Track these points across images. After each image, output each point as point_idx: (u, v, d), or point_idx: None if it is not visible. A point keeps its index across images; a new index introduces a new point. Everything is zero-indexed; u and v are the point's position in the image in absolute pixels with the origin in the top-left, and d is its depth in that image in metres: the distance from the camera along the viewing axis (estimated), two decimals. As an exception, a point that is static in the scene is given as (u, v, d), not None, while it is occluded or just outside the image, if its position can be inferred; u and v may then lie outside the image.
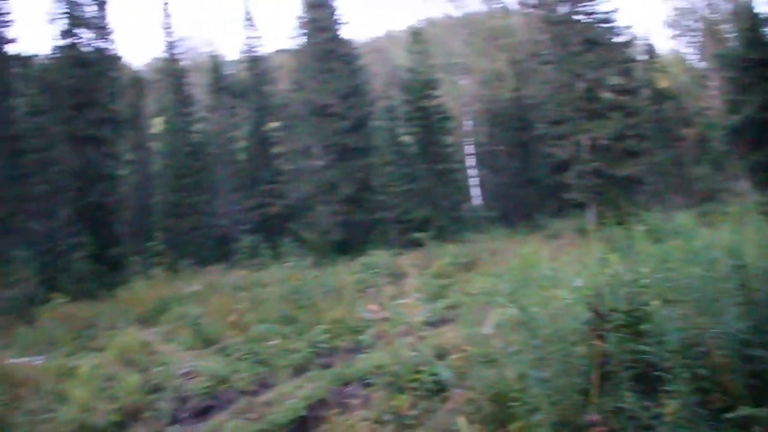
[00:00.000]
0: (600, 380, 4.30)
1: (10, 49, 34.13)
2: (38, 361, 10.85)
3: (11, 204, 31.42)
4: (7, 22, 33.54)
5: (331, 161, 33.85)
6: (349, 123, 33.65)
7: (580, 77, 28.57)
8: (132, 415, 7.84)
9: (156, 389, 8.69)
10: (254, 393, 8.17)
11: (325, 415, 6.40)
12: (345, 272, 16.79)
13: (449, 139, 36.32)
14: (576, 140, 28.26)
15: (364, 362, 8.26)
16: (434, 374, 6.13)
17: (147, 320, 15.68)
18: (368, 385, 7.14)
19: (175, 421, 7.79)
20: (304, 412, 7.03)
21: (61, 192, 32.02)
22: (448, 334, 8.19)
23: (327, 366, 8.81)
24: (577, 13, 29.97)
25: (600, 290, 4.69)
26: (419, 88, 34.55)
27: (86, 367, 9.89)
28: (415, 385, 6.11)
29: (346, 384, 7.71)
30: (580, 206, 28.40)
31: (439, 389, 5.98)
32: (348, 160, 33.33)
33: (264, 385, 8.52)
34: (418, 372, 6.29)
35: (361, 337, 10.22)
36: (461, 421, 4.88)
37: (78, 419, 7.69)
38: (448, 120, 35.90)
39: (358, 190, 32.92)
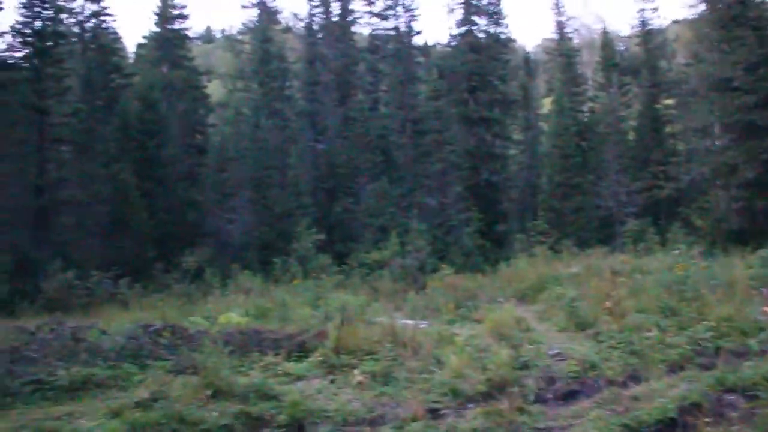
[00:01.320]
0: None
1: (415, 40, 37.45)
2: (423, 325, 11.67)
3: (411, 181, 34.69)
4: (414, 16, 36.83)
5: (731, 141, 30.64)
6: (755, 98, 30.00)
7: None
8: (498, 387, 7.97)
9: (524, 366, 8.71)
10: (622, 384, 7.73)
11: (697, 422, 5.75)
12: (739, 265, 14.99)
13: None
14: None
15: (751, 370, 7.25)
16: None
17: (524, 297, 15.95)
18: (752, 397, 6.23)
19: (538, 400, 7.74)
20: (674, 414, 6.41)
21: (454, 170, 34.29)
22: None
23: (706, 367, 7.94)
24: None
25: None
26: None
27: (463, 336, 10.38)
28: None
29: (726, 391, 6.84)
30: None
31: None
32: (752, 139, 29.74)
33: (634, 378, 8.00)
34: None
35: (750, 341, 9.02)
36: None
37: (450, 384, 8.07)
38: None
39: (763, 174, 29.24)
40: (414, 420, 7.05)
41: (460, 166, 34.72)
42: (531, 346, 9.68)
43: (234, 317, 13.14)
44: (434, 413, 7.37)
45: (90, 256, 26.59)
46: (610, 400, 7.19)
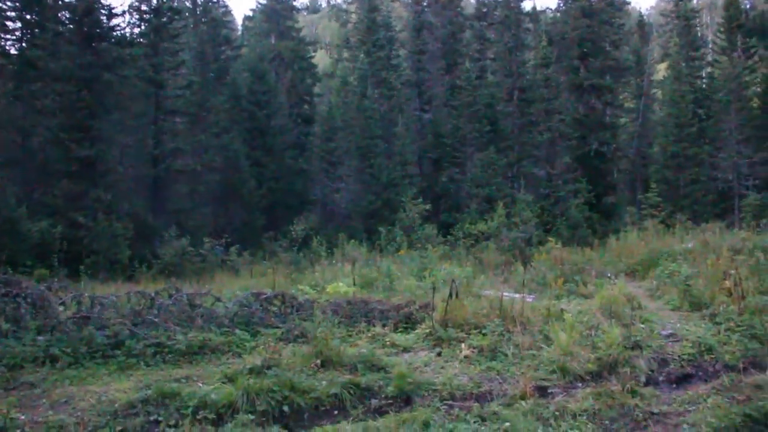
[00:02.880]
0: None
1: (523, 6, 36.51)
2: (529, 299, 11.55)
3: (518, 150, 34.16)
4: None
5: None
6: None
7: None
8: (609, 367, 7.82)
9: (636, 346, 8.47)
10: (742, 371, 7.41)
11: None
12: None
13: None
14: None
15: None
16: None
17: (634, 273, 15.52)
18: None
19: (651, 382, 7.54)
20: (801, 407, 6.11)
21: (563, 140, 33.47)
22: None
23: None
24: None
25: None
26: None
27: (571, 312, 10.20)
28: None
29: None
30: None
31: None
32: None
33: (755, 365, 7.64)
34: None
35: None
36: None
37: (559, 361, 7.97)
38: None
39: None
40: (522, 398, 7.02)
41: (569, 136, 33.83)
42: (642, 325, 9.43)
43: (342, 287, 13.44)
44: (542, 391, 7.31)
45: (202, 224, 27.79)
46: (728, 387, 6.93)
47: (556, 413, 6.67)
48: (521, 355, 8.43)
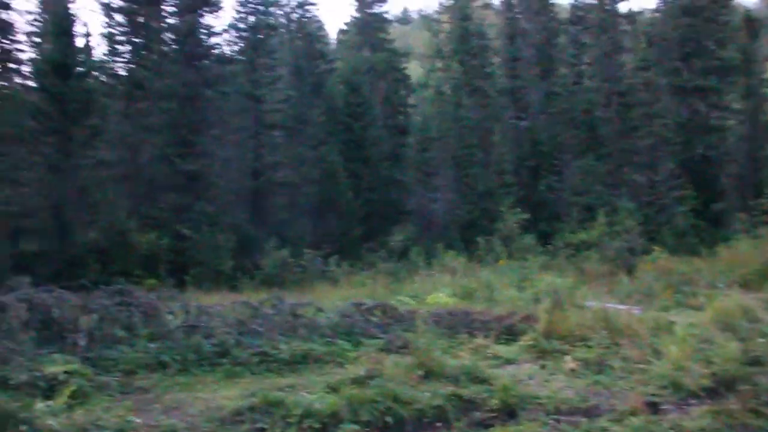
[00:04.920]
0: None
1: (620, 7, 35.52)
2: (635, 310, 11.20)
3: (619, 157, 33.22)
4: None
5: None
6: None
7: None
8: (725, 383, 7.40)
9: (755, 362, 7.98)
10: None
11: None
12: None
13: None
14: None
15: None
16: None
17: (748, 284, 14.70)
18: None
19: (773, 400, 7.11)
20: None
21: (666, 145, 32.33)
22: None
23: None
24: None
25: None
26: None
27: (682, 324, 9.79)
28: None
29: None
30: None
31: None
32: None
33: None
34: None
35: None
36: None
37: (670, 376, 7.63)
38: None
39: None
40: (633, 413, 6.75)
41: (672, 141, 32.61)
42: (762, 340, 8.90)
43: (442, 297, 13.44)
44: (654, 407, 7.02)
45: (301, 235, 28.38)
46: None
47: (671, 431, 6.39)
48: (629, 369, 8.15)
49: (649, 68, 33.96)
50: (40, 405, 6.66)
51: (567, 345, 9.17)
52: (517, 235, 23.92)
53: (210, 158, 27.54)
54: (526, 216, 25.88)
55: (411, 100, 45.86)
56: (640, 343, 8.94)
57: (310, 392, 7.44)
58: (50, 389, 7.33)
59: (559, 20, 44.65)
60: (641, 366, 8.15)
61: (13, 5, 26.75)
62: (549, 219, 31.07)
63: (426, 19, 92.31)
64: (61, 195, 23.41)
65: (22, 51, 28.03)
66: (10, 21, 27.14)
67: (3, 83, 27.13)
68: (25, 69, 28.20)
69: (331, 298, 14.97)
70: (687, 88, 34.71)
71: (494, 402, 7.19)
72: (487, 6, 55.39)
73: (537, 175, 35.04)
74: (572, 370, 8.28)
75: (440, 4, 66.59)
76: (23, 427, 6.00)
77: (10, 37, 27.16)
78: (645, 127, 32.72)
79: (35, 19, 29.62)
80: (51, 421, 6.23)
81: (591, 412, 6.99)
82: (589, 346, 8.86)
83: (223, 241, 24.57)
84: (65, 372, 7.65)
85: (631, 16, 39.52)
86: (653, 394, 7.33)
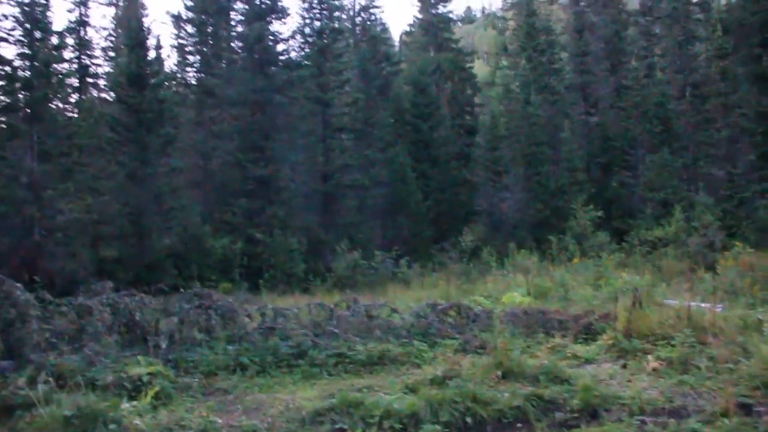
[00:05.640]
0: None
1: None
2: (719, 308, 10.81)
3: (694, 150, 32.20)
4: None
5: None
6: None
7: None
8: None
9: None
10: None
11: None
12: None
13: None
14: None
15: None
16: None
17: None
18: None
19: None
20: None
21: (745, 136, 31.16)
22: None
23: None
24: None
25: None
26: None
27: (770, 321, 9.42)
28: None
29: None
30: None
31: None
32: None
33: None
34: None
35: None
36: None
37: (762, 376, 7.31)
38: None
39: None
40: (724, 414, 6.50)
41: (752, 132, 31.33)
42: None
43: (516, 297, 13.27)
44: (746, 408, 6.74)
45: (372, 237, 28.50)
46: None
47: (767, 434, 6.13)
48: (716, 369, 7.84)
49: (726, 57, 32.79)
50: (126, 405, 6.87)
51: (648, 344, 8.91)
52: (590, 232, 23.45)
53: (280, 163, 27.97)
54: (599, 213, 25.34)
55: (477, 99, 45.60)
56: (726, 341, 8.61)
57: (388, 393, 7.45)
58: (135, 390, 7.55)
59: (629, 12, 43.67)
60: (729, 366, 7.85)
61: (90, 23, 27.94)
62: (623, 216, 30.36)
63: (491, 17, 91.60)
64: (139, 202, 24.17)
65: (99, 65, 29.20)
66: (88, 38, 28.32)
67: (82, 96, 28.27)
68: (102, 82, 29.35)
69: (404, 300, 14.97)
70: (766, 76, 33.35)
71: (576, 402, 7.06)
72: (554, 1, 54.64)
73: (609, 172, 34.32)
74: (655, 370, 8.04)
75: (505, 1, 66.05)
76: (112, 426, 6.20)
77: (88, 53, 28.33)
78: (722, 118, 31.61)
79: (110, 34, 30.78)
80: (137, 421, 6.43)
81: (678, 413, 6.78)
82: (672, 345, 8.57)
83: (294, 244, 24.89)
84: (149, 373, 7.87)
85: (705, 4, 38.30)
86: (745, 395, 7.03)
